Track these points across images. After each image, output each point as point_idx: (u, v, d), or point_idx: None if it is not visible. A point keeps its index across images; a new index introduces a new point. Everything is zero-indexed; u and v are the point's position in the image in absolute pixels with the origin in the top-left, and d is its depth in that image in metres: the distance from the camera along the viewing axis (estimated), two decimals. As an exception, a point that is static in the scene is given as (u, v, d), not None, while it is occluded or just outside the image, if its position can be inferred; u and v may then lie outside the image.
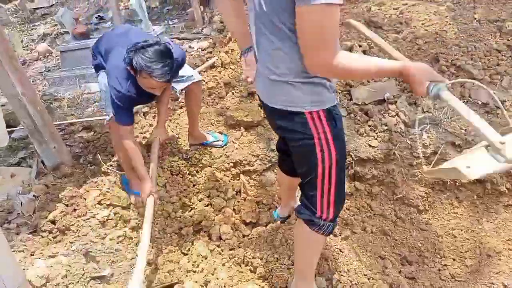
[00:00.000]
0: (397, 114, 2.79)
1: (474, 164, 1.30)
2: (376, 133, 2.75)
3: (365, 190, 2.70)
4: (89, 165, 3.12)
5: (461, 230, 2.57)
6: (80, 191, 2.62)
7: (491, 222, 2.61)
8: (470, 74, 2.87)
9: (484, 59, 2.95)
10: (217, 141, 2.99)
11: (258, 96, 1.68)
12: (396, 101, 2.87)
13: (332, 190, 1.61)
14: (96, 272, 2.13)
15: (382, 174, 2.68)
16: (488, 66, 2.90)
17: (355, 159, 2.73)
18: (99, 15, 6.94)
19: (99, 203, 2.51)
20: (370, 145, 2.69)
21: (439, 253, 2.49)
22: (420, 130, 2.69)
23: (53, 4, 9.67)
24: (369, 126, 2.80)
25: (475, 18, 3.23)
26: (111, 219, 2.47)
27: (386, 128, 2.75)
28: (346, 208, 2.61)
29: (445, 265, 2.47)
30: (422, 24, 3.39)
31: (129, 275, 2.23)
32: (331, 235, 2.20)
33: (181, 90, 2.75)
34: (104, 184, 2.69)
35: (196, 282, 2.24)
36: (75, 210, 2.47)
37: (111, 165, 2.95)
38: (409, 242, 2.49)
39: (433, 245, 2.51)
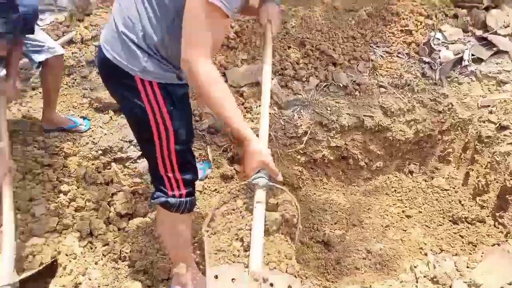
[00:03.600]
0: (271, 96, 2.87)
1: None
2: (252, 115, 2.80)
3: (243, 172, 2.73)
4: None
5: (331, 204, 2.82)
6: None
7: (354, 195, 2.92)
8: (331, 58, 3.11)
9: (342, 45, 3.23)
10: (80, 125, 2.67)
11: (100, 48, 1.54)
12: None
13: (176, 168, 1.58)
14: None
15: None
16: (346, 52, 3.18)
17: (233, 141, 2.74)
18: None
19: None
20: (247, 127, 2.72)
21: (312, 227, 2.68)
22: (292, 111, 2.82)
23: None
24: (245, 108, 2.83)
25: (334, 7, 3.49)
26: None
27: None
28: (228, 192, 2.61)
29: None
30: (289, 9, 3.54)
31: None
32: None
33: (39, 63, 2.38)
34: None
35: (63, 286, 1.99)
36: None
37: None
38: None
39: (307, 220, 2.69)
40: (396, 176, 3.05)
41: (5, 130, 2.13)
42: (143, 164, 2.73)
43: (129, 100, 1.50)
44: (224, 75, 3.01)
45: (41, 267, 1.96)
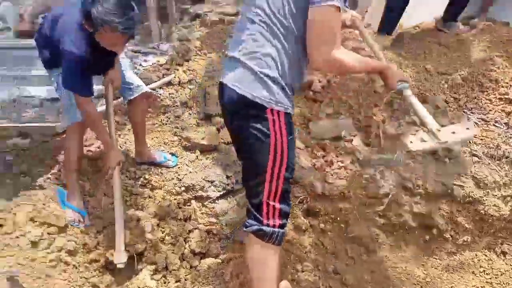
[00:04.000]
0: (353, 153, 2.84)
1: (415, 140, 1.90)
2: (332, 169, 2.77)
3: (319, 226, 2.68)
4: (21, 175, 2.81)
5: (408, 274, 2.62)
6: (10, 204, 2.31)
7: (435, 268, 2.69)
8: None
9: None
10: (167, 161, 2.83)
11: (222, 84, 1.73)
12: (352, 140, 2.93)
13: (278, 196, 1.69)
14: (22, 301, 1.86)
15: (337, 212, 2.68)
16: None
17: (310, 193, 2.71)
18: (46, 15, 6.52)
19: (32, 220, 2.23)
20: (326, 181, 2.69)
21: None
22: (374, 170, 2.75)
23: (-6, -4, 8.96)
24: (326, 161, 2.82)
25: (426, 69, 3.43)
26: (44, 239, 2.20)
27: (342, 165, 2.78)
28: (300, 244, 2.57)
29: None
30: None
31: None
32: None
33: (128, 100, 2.62)
34: (39, 199, 2.41)
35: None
36: (1, 226, 2.17)
37: (48, 178, 2.67)
38: (361, 285, 2.49)
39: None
40: (485, 255, 2.76)
41: (113, 126, 2.40)
42: (221, 205, 2.80)
43: (255, 129, 1.63)
44: (307, 127, 3.06)
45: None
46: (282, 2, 1.55)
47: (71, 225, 2.34)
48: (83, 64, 2.02)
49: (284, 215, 1.73)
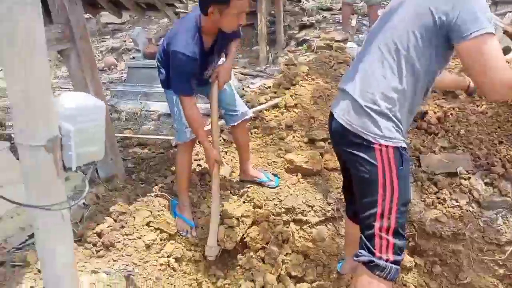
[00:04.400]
0: (470, 192, 2.60)
1: None
2: (445, 207, 2.56)
3: (425, 267, 2.48)
4: (140, 182, 3.09)
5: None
6: (130, 208, 2.56)
7: None
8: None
9: None
10: (270, 181, 2.89)
11: (331, 114, 1.74)
12: (469, 178, 2.68)
13: (392, 229, 1.60)
14: (135, 299, 2.02)
15: (447, 253, 2.46)
16: None
17: (418, 231, 2.54)
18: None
19: (148, 224, 2.44)
20: (437, 220, 2.50)
21: None
22: (495, 214, 2.47)
23: (125, 22, 10.22)
24: (438, 198, 2.62)
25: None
26: (157, 243, 2.38)
27: (456, 204, 2.56)
28: (403, 284, 2.40)
29: None
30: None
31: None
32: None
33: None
34: (154, 206, 2.63)
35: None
36: (122, 227, 2.41)
37: (162, 187, 2.90)
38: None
39: None
40: None
41: (216, 121, 2.46)
42: (319, 231, 2.75)
43: (362, 161, 1.61)
44: (418, 159, 2.89)
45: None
46: (409, 37, 1.50)
47: (180, 234, 2.50)
48: (190, 65, 2.15)
49: (398, 250, 1.63)
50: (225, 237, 2.50)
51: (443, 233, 2.45)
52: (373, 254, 1.62)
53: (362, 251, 1.67)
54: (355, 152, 1.63)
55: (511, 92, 1.44)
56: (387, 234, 1.61)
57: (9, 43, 0.87)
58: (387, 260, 1.61)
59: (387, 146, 1.56)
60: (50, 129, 1.01)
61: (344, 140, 1.67)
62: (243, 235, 2.63)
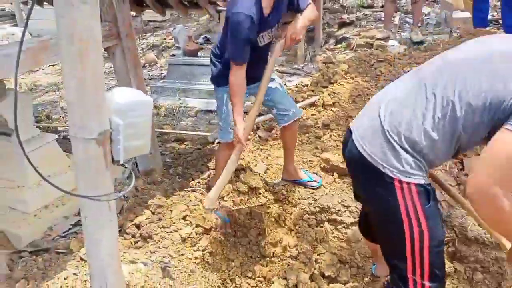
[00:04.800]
0: None
1: None
2: (488, 213, 2.46)
3: (466, 273, 2.40)
4: (177, 177, 3.17)
5: None
6: (168, 201, 2.63)
7: None
8: None
9: None
10: (313, 181, 2.87)
11: (350, 131, 1.56)
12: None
13: (427, 273, 1.44)
14: (171, 290, 2.08)
15: (489, 260, 2.36)
16: None
17: (459, 236, 2.45)
18: (206, 36, 7.34)
19: (184, 218, 2.50)
20: (479, 225, 2.40)
21: None
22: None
23: (165, 20, 10.45)
24: None
25: None
26: (192, 237, 2.43)
27: (500, 210, 2.45)
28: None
29: None
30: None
31: (200, 301, 2.16)
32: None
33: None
34: (190, 200, 2.69)
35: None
36: (160, 219, 2.48)
37: (199, 182, 2.96)
38: None
39: None
40: None
41: (253, 119, 2.36)
42: (354, 232, 2.72)
43: (381, 196, 1.45)
44: (461, 163, 2.79)
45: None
46: (473, 94, 1.28)
47: (215, 230, 2.55)
48: (248, 25, 2.08)
49: None
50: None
51: (485, 239, 2.36)
52: None
53: (393, 287, 1.55)
54: (373, 187, 1.47)
55: (482, 204, 1.26)
56: (422, 279, 1.46)
57: (68, 40, 0.92)
58: None
59: (409, 183, 1.39)
60: (101, 123, 1.06)
61: (361, 170, 1.51)
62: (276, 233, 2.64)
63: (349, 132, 1.58)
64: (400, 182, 1.38)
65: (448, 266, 2.40)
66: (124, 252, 2.26)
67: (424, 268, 1.44)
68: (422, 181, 1.40)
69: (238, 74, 2.21)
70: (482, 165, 1.27)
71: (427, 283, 1.46)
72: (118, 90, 1.14)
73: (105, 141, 1.07)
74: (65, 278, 2.01)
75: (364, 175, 1.50)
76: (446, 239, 2.46)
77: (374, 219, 1.64)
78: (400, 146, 1.38)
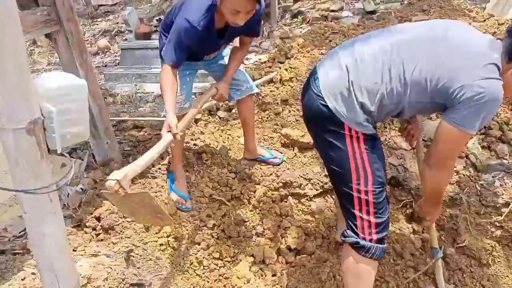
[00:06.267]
0: (466, 156, 2.59)
1: None
2: (442, 173, 2.56)
3: (423, 232, 2.50)
4: (137, 164, 3.08)
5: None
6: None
7: None
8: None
9: None
10: (274, 158, 2.87)
11: (314, 73, 1.69)
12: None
13: (372, 210, 1.63)
14: (136, 279, 2.05)
15: (444, 218, 2.47)
16: None
17: (415, 197, 2.54)
18: (160, 18, 7.12)
19: (145, 206, 2.45)
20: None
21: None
22: (493, 177, 2.47)
23: (117, 3, 10.04)
24: (435, 165, 2.61)
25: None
26: (155, 224, 2.39)
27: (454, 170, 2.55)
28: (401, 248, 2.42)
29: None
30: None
31: (168, 286, 2.14)
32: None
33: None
34: (152, 187, 2.64)
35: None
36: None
37: (159, 169, 2.90)
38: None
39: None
40: None
41: (190, 115, 2.16)
42: (317, 204, 2.77)
43: (332, 142, 1.63)
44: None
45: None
46: (426, 76, 1.50)
47: (177, 208, 2.51)
48: (187, 33, 2.01)
49: (381, 229, 1.65)
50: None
51: (440, 199, 2.45)
52: (357, 234, 1.64)
53: (348, 231, 1.69)
54: (327, 134, 1.65)
55: (441, 177, 1.65)
56: (368, 215, 1.62)
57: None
58: (371, 241, 1.63)
59: (356, 131, 1.59)
60: (31, 111, 1.00)
61: (320, 120, 1.67)
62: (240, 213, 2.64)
63: (312, 75, 1.71)
64: (350, 130, 1.59)
65: (406, 227, 2.49)
66: (85, 246, 2.20)
67: (369, 206, 1.62)
68: (369, 131, 1.61)
69: (168, 73, 2.09)
70: (433, 153, 1.62)
71: (372, 218, 1.62)
72: (47, 75, 1.08)
73: (37, 130, 1.01)
74: (22, 279, 1.94)
75: (323, 123, 1.65)
76: (403, 201, 2.56)
77: (326, 166, 1.78)
78: (357, 100, 1.56)
